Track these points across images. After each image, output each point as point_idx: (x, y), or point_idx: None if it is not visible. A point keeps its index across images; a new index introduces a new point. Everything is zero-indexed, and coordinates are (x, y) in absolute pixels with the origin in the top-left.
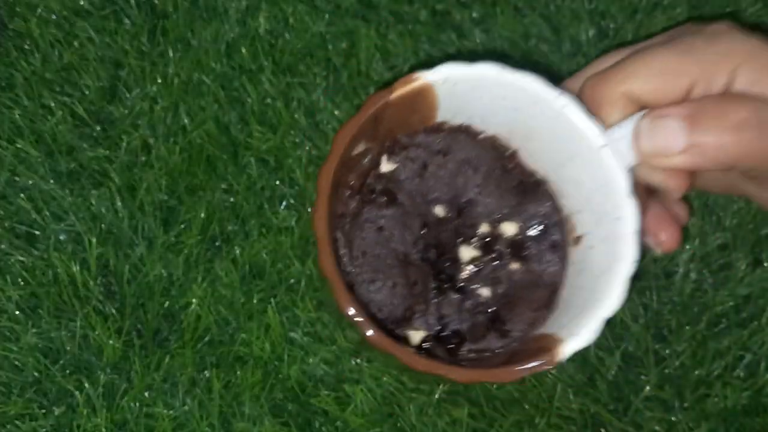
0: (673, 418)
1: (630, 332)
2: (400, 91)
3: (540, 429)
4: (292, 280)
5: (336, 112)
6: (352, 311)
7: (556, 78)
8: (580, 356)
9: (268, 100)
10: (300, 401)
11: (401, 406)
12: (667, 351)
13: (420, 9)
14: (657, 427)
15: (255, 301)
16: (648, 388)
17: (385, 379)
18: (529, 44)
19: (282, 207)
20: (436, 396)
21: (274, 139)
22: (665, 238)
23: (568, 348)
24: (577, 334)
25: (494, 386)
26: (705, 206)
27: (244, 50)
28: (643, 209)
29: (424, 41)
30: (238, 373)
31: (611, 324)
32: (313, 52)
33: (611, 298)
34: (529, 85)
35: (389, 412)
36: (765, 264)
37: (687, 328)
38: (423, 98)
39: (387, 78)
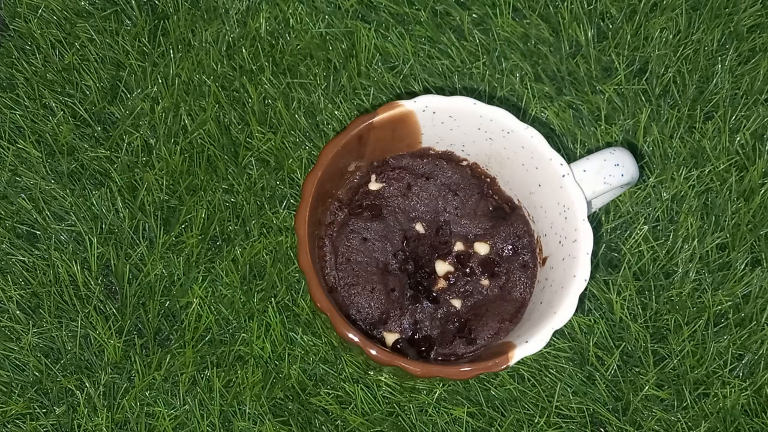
0: (672, 418)
1: (629, 332)
2: (383, 115)
3: (539, 428)
4: (292, 280)
5: (336, 113)
6: (321, 301)
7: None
8: (579, 355)
9: (269, 101)
10: (300, 400)
11: (401, 405)
12: (667, 350)
13: (420, 10)
14: (656, 427)
15: (255, 301)
16: (647, 387)
17: (384, 378)
18: (528, 45)
19: (282, 207)
20: (436, 395)
21: (275, 139)
22: None
23: (517, 354)
24: (529, 342)
25: (494, 385)
26: (704, 206)
27: (244, 51)
28: None
29: (423, 42)
30: (239, 372)
31: (611, 323)
32: (313, 52)
33: (563, 312)
34: (499, 117)
35: (389, 411)
36: (764, 264)
37: (686, 327)
38: (406, 124)
39: (387, 78)
